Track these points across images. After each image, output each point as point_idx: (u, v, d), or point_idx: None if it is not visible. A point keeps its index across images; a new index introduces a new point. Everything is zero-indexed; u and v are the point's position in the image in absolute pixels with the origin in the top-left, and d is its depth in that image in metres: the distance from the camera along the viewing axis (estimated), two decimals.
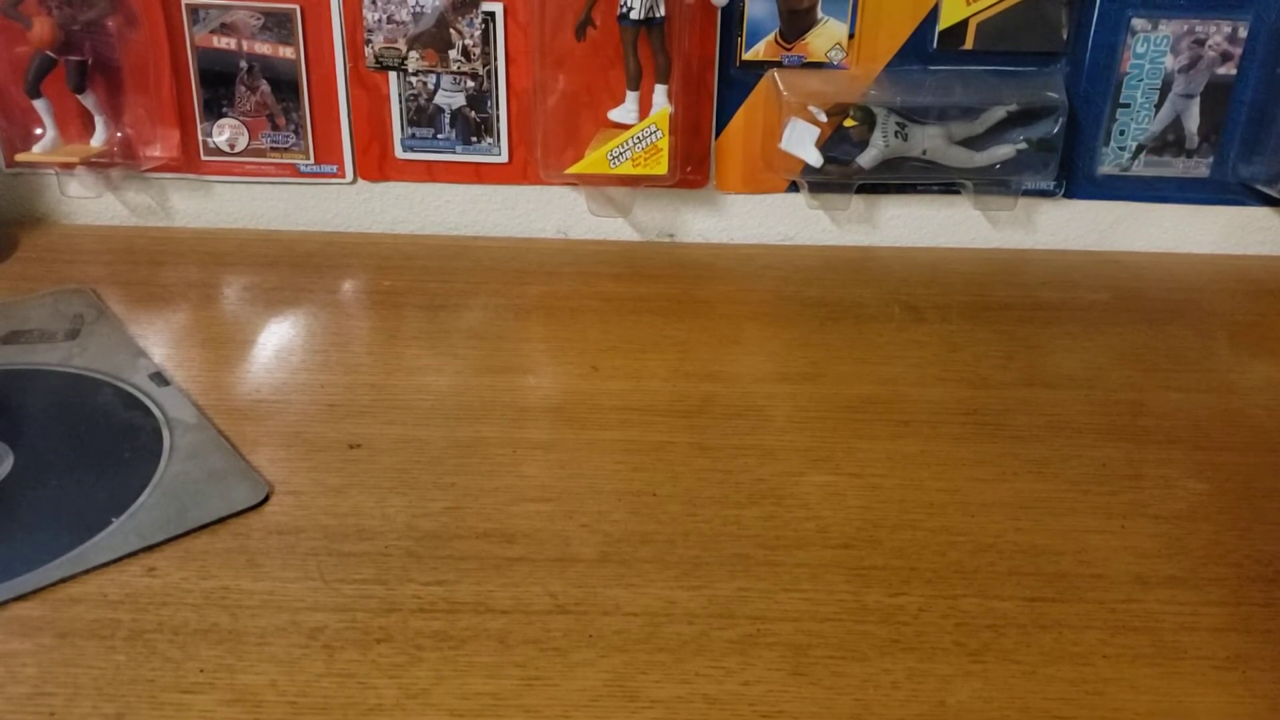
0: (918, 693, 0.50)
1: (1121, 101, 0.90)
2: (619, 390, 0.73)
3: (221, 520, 0.60)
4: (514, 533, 0.60)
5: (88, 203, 0.96)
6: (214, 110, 0.92)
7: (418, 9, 0.88)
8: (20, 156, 0.91)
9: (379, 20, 0.88)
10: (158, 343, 0.77)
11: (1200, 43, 0.88)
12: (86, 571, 0.56)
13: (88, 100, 0.90)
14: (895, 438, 0.69)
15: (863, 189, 0.93)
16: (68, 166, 0.92)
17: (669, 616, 0.54)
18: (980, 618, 0.55)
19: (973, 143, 0.90)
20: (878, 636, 0.53)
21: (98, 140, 0.91)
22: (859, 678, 0.51)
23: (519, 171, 0.94)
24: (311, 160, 0.94)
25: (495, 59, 0.89)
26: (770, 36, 0.88)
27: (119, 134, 0.92)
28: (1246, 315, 0.86)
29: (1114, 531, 0.61)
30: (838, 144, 0.90)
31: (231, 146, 0.93)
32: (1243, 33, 0.88)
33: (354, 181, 0.95)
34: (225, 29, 0.89)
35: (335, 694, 0.49)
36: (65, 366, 0.73)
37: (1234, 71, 0.89)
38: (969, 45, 0.88)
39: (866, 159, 0.89)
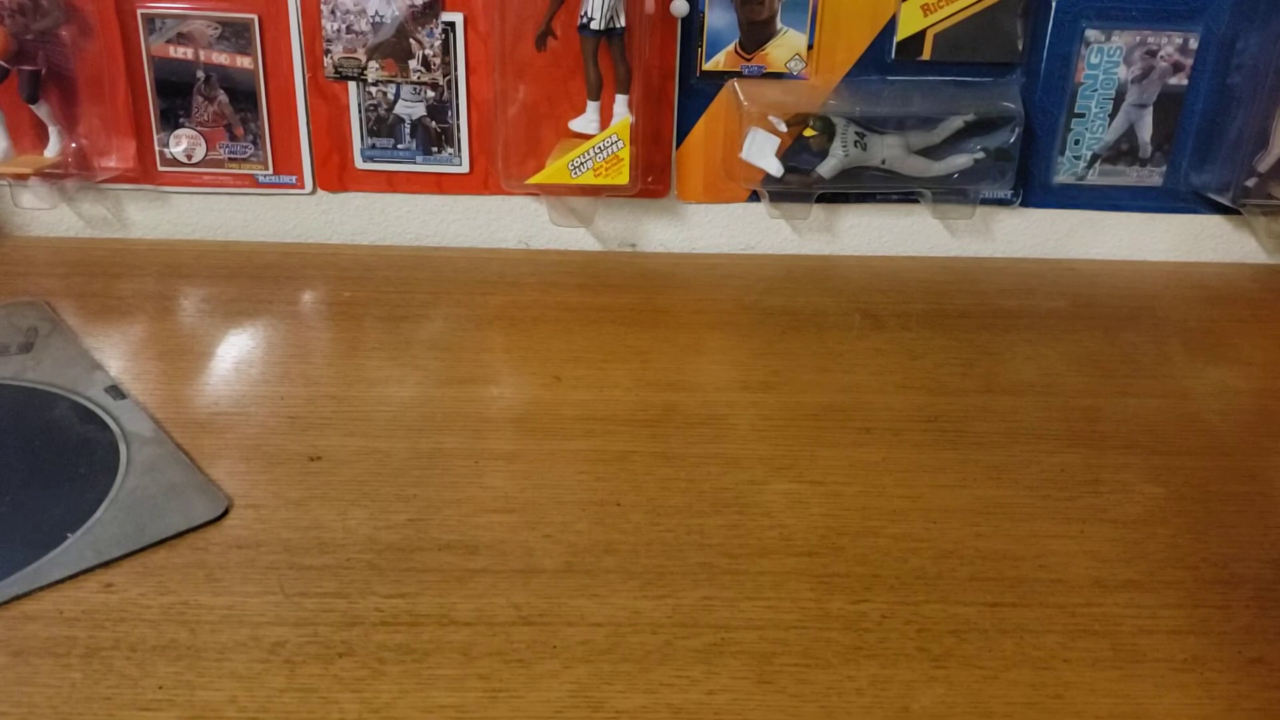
0: (881, 699, 0.51)
1: (1076, 111, 0.91)
2: (581, 400, 0.73)
3: (180, 535, 0.59)
4: (477, 544, 0.59)
5: (41, 214, 0.95)
6: (171, 121, 0.91)
7: (377, 19, 0.87)
8: None
9: (338, 30, 0.88)
10: (114, 355, 0.76)
11: (1152, 54, 0.89)
12: (42, 588, 0.55)
13: (41, 110, 0.88)
14: (857, 445, 0.69)
15: (823, 198, 0.94)
16: (21, 177, 0.91)
17: (633, 626, 0.54)
18: (942, 623, 0.55)
19: (931, 152, 0.91)
20: (841, 644, 0.54)
21: (51, 151, 0.90)
22: (823, 685, 0.51)
23: (480, 182, 0.94)
24: (270, 171, 0.93)
25: (455, 69, 0.89)
26: (730, 47, 0.89)
27: (73, 144, 0.91)
28: (1200, 321, 0.88)
29: (1073, 536, 0.62)
30: (798, 153, 0.90)
31: (189, 157, 0.92)
32: (1193, 44, 0.89)
33: (313, 192, 0.94)
34: (182, 39, 0.88)
35: (297, 709, 0.49)
36: (19, 380, 0.72)
37: (1185, 82, 0.90)
38: (926, 56, 0.89)
39: (826, 168, 0.90)
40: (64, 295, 0.84)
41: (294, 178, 0.93)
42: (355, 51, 0.88)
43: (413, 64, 0.89)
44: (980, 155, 0.90)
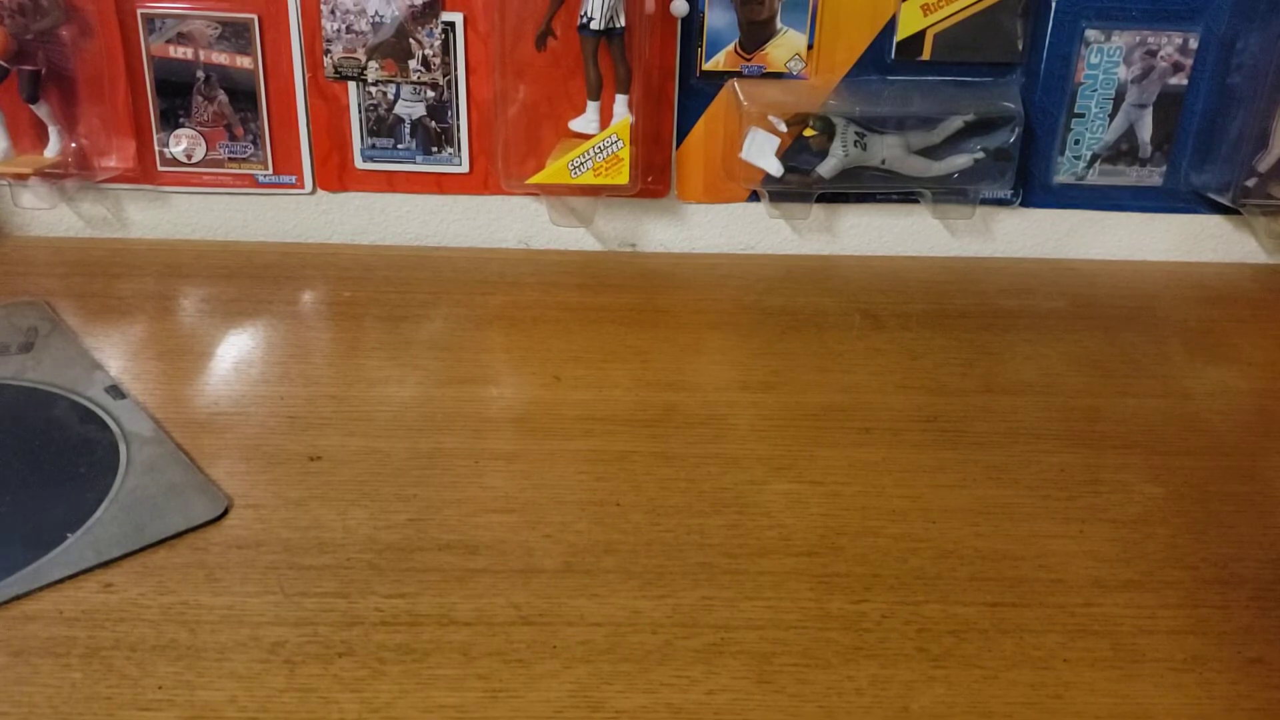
0: (881, 699, 0.51)
1: (1076, 111, 0.91)
2: (581, 400, 0.73)
3: (180, 535, 0.59)
4: (477, 544, 0.59)
5: (41, 214, 0.95)
6: (170, 120, 0.91)
7: (377, 19, 0.87)
8: None
9: (338, 30, 0.88)
10: (114, 355, 0.76)
11: (1152, 53, 0.89)
12: (41, 588, 0.55)
13: (41, 110, 0.88)
14: (857, 445, 0.69)
15: (823, 198, 0.94)
16: (21, 177, 0.91)
17: (633, 626, 0.54)
18: (942, 623, 0.55)
19: (931, 152, 0.91)
20: (841, 644, 0.54)
21: (51, 151, 0.90)
22: (823, 685, 0.51)
23: (480, 181, 0.94)
24: (270, 171, 0.93)
25: (455, 69, 0.89)
26: (730, 47, 0.89)
27: (73, 144, 0.91)
28: (1200, 321, 0.88)
29: (1072, 536, 0.62)
30: (797, 153, 0.90)
31: (189, 157, 0.92)
32: (1193, 44, 0.89)
33: (313, 192, 0.94)
34: (182, 39, 0.88)
35: (296, 709, 0.49)
36: (19, 380, 0.72)
37: (1185, 82, 0.90)
38: (926, 56, 0.89)
39: (826, 168, 0.90)
40: (64, 295, 0.84)
41: (294, 178, 0.93)
42: (355, 51, 0.88)
43: (413, 64, 0.89)
44: (980, 155, 0.90)
